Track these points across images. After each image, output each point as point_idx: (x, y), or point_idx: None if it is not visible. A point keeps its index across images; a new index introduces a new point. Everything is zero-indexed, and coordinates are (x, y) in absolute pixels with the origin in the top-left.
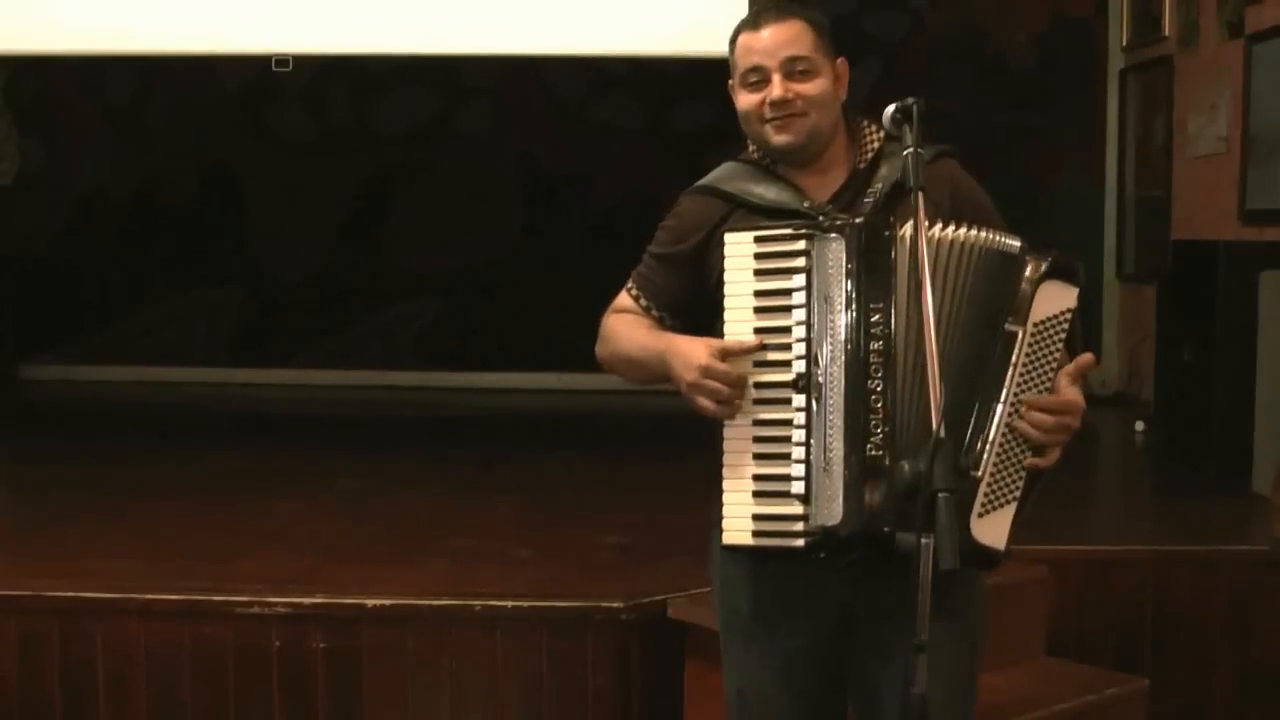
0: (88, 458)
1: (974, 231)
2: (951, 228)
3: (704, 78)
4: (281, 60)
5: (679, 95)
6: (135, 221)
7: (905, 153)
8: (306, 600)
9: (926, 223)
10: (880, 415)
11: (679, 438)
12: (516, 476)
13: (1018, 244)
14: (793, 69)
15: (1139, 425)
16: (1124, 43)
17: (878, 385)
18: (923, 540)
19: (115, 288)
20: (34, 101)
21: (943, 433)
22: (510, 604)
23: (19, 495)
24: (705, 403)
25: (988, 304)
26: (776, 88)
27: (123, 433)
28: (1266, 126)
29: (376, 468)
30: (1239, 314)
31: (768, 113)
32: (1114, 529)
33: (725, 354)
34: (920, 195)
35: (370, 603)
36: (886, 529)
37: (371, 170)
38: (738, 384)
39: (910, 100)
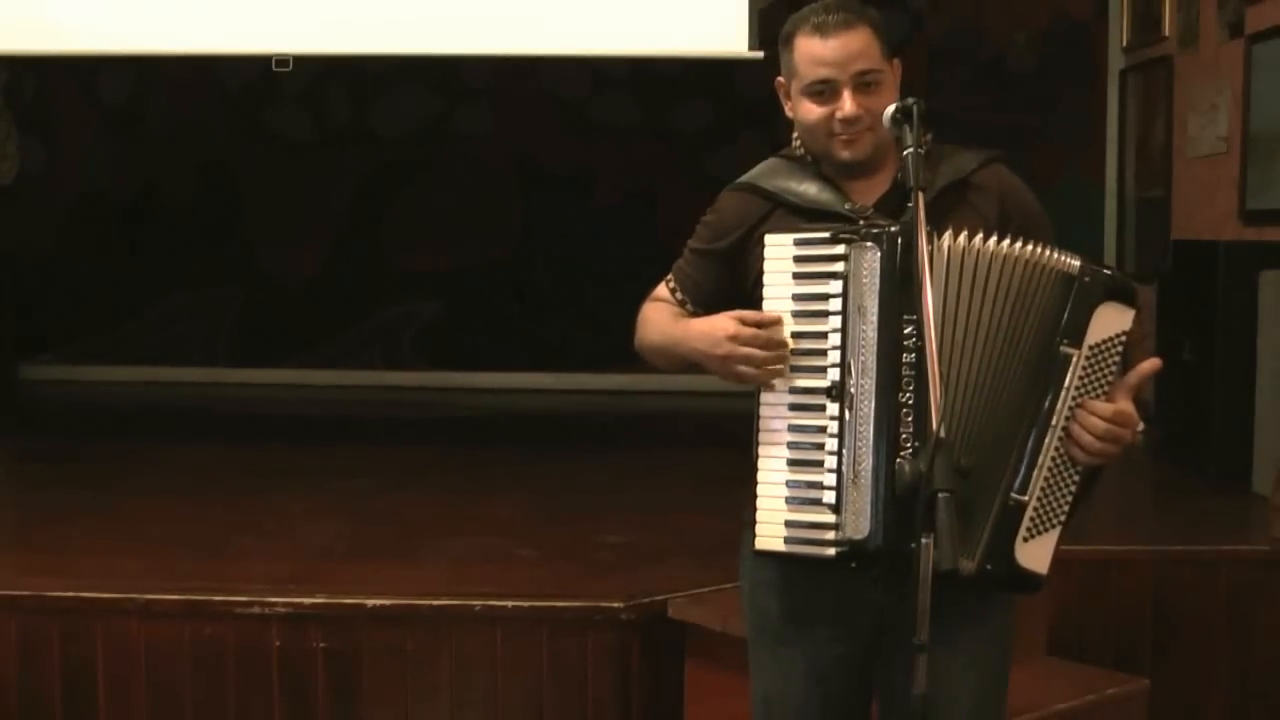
0: (88, 458)
1: (1029, 248)
2: (1005, 243)
3: (704, 78)
4: (281, 60)
5: (679, 95)
6: (135, 221)
7: (906, 152)
8: (306, 600)
9: (933, 228)
10: (910, 429)
11: (679, 438)
12: (516, 476)
13: (1077, 263)
14: (862, 81)
15: (1139, 425)
16: (1124, 43)
17: (909, 398)
18: (923, 540)
19: (115, 287)
20: (34, 101)
21: (943, 433)
22: (510, 604)
23: (19, 495)
24: (745, 370)
25: (1041, 324)
26: (848, 104)
27: (122, 433)
28: (1266, 126)
29: (376, 467)
30: (1239, 314)
31: (837, 128)
32: (1114, 529)
33: (746, 324)
34: (920, 195)
35: (370, 603)
36: (913, 544)
37: (371, 170)
38: (771, 345)
39: (910, 100)
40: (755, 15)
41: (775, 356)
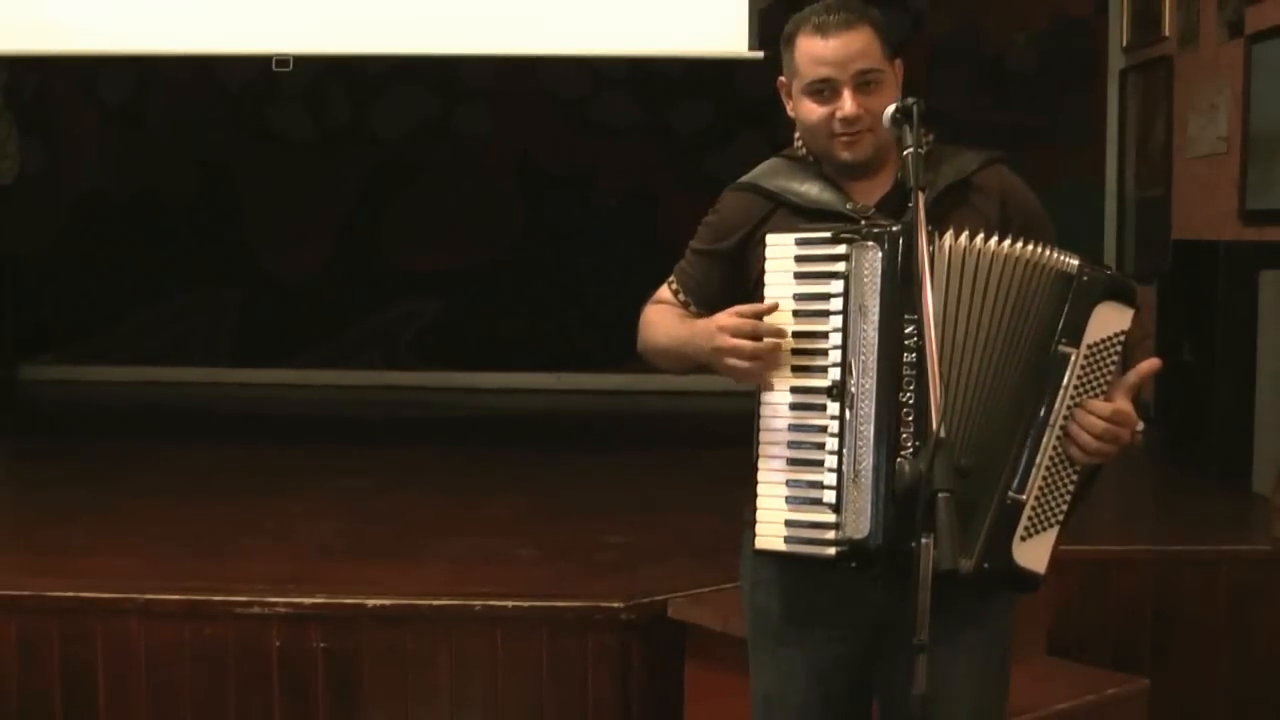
0: (87, 458)
1: (1029, 248)
2: (1006, 243)
3: (704, 78)
4: (281, 60)
5: (679, 95)
6: (135, 221)
7: (905, 152)
8: (306, 600)
9: (934, 228)
10: (911, 429)
11: (679, 438)
12: (516, 476)
13: (1075, 263)
14: (863, 81)
15: (1139, 425)
16: (1124, 43)
17: (909, 398)
18: (922, 540)
19: (115, 288)
20: (34, 101)
21: (943, 433)
22: (510, 604)
23: (19, 496)
24: (736, 363)
25: (1039, 323)
26: (848, 104)
27: (123, 433)
28: (1266, 126)
29: (376, 467)
30: (1239, 314)
31: (837, 128)
32: (1114, 529)
33: (743, 316)
34: (920, 195)
35: (370, 603)
36: (913, 544)
37: (371, 170)
38: (760, 334)
39: (910, 100)
40: (755, 15)
41: (765, 347)
